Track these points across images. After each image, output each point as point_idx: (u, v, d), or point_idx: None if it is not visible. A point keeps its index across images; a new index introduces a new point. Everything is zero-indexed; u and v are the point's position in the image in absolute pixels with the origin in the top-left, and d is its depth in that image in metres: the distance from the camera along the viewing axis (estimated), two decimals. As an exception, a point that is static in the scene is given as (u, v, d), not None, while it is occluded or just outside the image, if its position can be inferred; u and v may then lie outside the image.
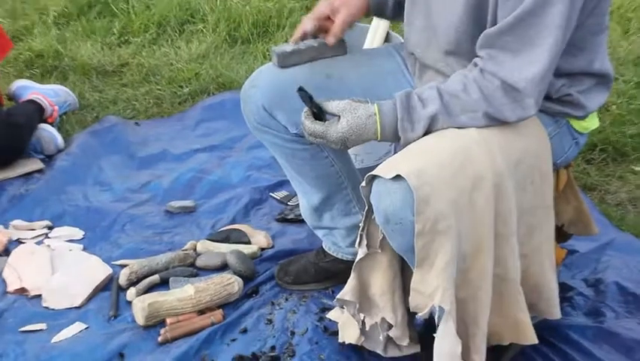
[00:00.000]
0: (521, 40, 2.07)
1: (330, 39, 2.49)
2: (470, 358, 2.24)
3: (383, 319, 2.34)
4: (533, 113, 2.13)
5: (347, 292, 2.35)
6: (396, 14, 2.57)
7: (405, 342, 2.36)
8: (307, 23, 2.52)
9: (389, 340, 2.42)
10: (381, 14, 2.61)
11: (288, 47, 2.54)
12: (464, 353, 2.21)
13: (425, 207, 2.03)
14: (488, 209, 2.10)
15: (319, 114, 2.25)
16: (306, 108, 2.26)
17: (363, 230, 2.26)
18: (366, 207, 2.21)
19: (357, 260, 2.30)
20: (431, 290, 2.11)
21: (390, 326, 2.35)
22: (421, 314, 2.16)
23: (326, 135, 2.20)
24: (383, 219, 2.11)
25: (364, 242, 2.26)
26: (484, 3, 2.17)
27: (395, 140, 2.19)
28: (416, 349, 2.43)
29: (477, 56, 2.17)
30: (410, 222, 2.05)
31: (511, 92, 2.09)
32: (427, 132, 2.14)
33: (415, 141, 2.14)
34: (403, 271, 2.30)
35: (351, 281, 2.34)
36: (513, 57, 2.08)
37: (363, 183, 2.15)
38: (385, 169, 2.09)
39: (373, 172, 2.11)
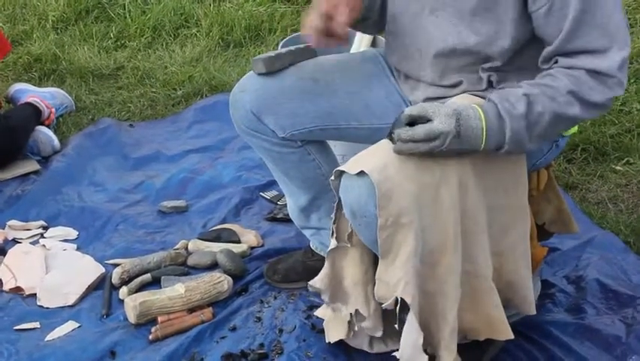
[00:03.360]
0: (599, 35, 2.03)
1: (340, 27, 2.27)
2: (439, 353, 2.23)
3: (357, 310, 2.33)
4: (621, 93, 2.08)
5: (318, 280, 2.36)
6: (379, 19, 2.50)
7: (378, 333, 2.36)
8: (315, 19, 2.31)
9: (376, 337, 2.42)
10: (368, 15, 2.46)
11: (272, 53, 2.51)
12: (435, 347, 2.22)
13: (387, 201, 2.03)
14: (453, 205, 2.09)
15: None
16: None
17: (334, 223, 2.25)
18: (337, 201, 2.19)
19: (328, 250, 2.30)
20: (394, 281, 2.12)
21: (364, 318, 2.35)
22: (386, 304, 2.16)
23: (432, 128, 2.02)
24: (350, 213, 2.12)
25: (334, 234, 2.26)
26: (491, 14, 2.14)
27: (498, 122, 2.04)
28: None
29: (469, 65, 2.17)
30: (374, 216, 2.05)
31: (597, 76, 2.04)
32: (530, 112, 2.03)
33: (520, 117, 2.03)
34: (377, 265, 2.26)
35: (324, 270, 2.34)
36: (592, 56, 2.04)
37: (332, 177, 2.15)
38: (351, 165, 2.10)
39: (340, 167, 2.12)
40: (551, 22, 2.06)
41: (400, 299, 2.11)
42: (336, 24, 2.27)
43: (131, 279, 2.87)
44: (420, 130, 2.01)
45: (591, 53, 2.03)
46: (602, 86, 2.04)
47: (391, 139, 2.06)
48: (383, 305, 2.17)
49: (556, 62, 2.09)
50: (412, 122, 2.04)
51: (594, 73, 2.03)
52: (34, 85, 4.15)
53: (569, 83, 2.04)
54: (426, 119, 2.03)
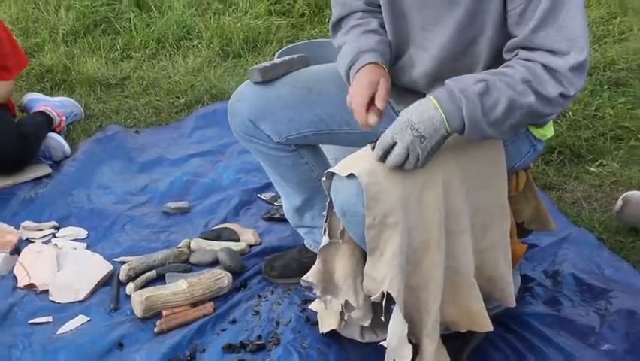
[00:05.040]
0: (559, 38, 2.02)
1: (382, 103, 2.16)
2: (422, 341, 2.24)
3: (347, 301, 2.33)
4: (573, 94, 2.05)
5: (311, 274, 2.36)
6: None
7: (366, 323, 2.36)
8: (368, 116, 2.18)
9: (367, 327, 2.42)
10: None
11: (267, 63, 2.52)
12: (419, 337, 2.24)
13: (375, 203, 2.04)
14: (437, 206, 2.10)
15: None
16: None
17: (326, 221, 2.25)
18: (328, 200, 2.20)
19: (321, 247, 2.30)
20: (381, 277, 2.13)
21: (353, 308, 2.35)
22: (374, 297, 2.17)
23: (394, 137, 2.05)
24: (340, 212, 2.13)
25: (327, 231, 2.26)
26: (475, 23, 2.14)
27: (454, 103, 2.02)
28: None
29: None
30: (363, 216, 2.06)
31: (551, 71, 2.02)
32: (485, 95, 2.01)
33: (475, 96, 2.00)
34: (366, 259, 2.26)
35: (316, 265, 2.34)
36: (550, 55, 2.02)
37: (324, 178, 2.16)
38: (342, 167, 2.11)
39: (331, 169, 2.13)
40: (523, 20, 2.05)
41: (386, 293, 2.13)
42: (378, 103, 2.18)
43: (137, 275, 2.87)
44: (392, 158, 2.04)
45: (549, 52, 2.02)
46: (554, 81, 2.02)
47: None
48: (371, 298, 2.18)
49: (516, 54, 2.09)
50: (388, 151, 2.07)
51: (548, 68, 2.01)
52: (46, 94, 4.18)
53: (525, 73, 2.02)
54: (393, 143, 2.05)
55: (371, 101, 2.18)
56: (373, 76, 2.22)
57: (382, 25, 2.37)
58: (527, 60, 2.04)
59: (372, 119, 2.15)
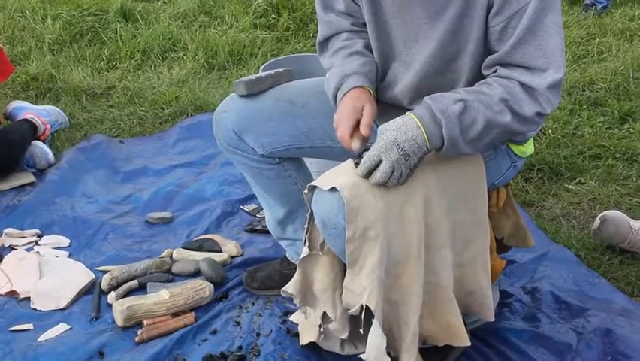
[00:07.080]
0: (538, 55, 2.03)
1: (367, 130, 2.16)
2: (401, 355, 2.24)
3: (324, 313, 2.33)
4: (549, 112, 2.07)
5: (290, 285, 2.35)
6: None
7: (344, 335, 2.35)
8: (352, 141, 2.18)
9: (347, 340, 2.41)
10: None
11: (252, 76, 2.52)
12: (397, 351, 2.23)
13: (355, 216, 2.04)
14: (418, 221, 2.10)
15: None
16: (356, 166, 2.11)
17: (306, 233, 2.24)
18: (309, 212, 2.19)
19: (301, 258, 2.29)
20: (360, 290, 2.12)
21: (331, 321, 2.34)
22: (352, 311, 2.16)
23: (378, 154, 2.05)
24: (321, 225, 2.13)
25: (307, 243, 2.26)
26: (458, 39, 2.14)
27: (435, 122, 2.03)
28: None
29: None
30: (343, 228, 2.06)
31: (528, 90, 2.04)
32: (464, 115, 2.03)
33: (454, 117, 2.02)
34: (345, 272, 2.25)
35: (296, 276, 2.33)
36: (528, 72, 2.04)
37: (306, 190, 2.15)
38: (324, 181, 2.11)
39: (314, 183, 2.12)
40: (503, 37, 2.06)
41: (364, 306, 2.12)
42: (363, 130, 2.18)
43: (119, 285, 2.85)
44: (379, 175, 2.04)
45: (527, 69, 2.04)
46: (531, 100, 2.04)
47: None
48: (349, 311, 2.18)
49: (495, 70, 2.10)
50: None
51: (526, 87, 2.03)
52: (31, 102, 4.15)
53: (503, 92, 2.04)
54: (379, 161, 2.05)
55: (356, 126, 2.18)
56: (358, 101, 2.22)
57: (368, 46, 2.37)
58: (505, 78, 2.06)
59: (355, 144, 2.15)
